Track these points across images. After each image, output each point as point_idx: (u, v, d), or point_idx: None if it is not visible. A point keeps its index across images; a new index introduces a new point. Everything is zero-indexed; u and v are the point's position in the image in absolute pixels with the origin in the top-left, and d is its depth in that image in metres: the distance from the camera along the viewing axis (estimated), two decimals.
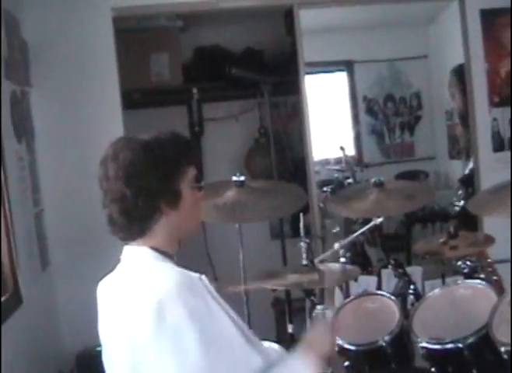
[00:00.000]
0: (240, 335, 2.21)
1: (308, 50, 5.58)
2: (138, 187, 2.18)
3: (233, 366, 2.11)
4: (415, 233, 6.55)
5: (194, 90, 5.56)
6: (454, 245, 3.73)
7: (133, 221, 2.21)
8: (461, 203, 6.51)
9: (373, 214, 3.66)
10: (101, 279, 2.42)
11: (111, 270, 2.38)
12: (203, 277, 2.27)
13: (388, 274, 4.44)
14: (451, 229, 3.70)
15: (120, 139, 2.29)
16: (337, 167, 6.65)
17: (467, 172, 6.51)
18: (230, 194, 3.66)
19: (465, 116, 5.99)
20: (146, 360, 2.10)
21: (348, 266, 3.67)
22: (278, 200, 3.70)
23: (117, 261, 2.37)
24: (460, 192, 6.57)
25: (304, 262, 3.52)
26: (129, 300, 2.17)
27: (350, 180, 6.46)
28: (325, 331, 2.50)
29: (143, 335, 2.09)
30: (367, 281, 4.47)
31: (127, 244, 2.30)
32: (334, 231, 4.98)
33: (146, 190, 2.19)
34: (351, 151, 6.97)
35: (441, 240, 3.79)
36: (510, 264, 3.85)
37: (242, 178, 3.66)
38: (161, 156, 2.22)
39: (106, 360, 2.35)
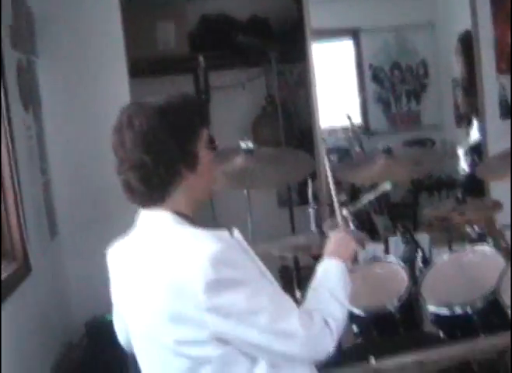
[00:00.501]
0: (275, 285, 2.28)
1: (314, 18, 5.56)
2: (158, 154, 2.17)
3: (278, 306, 2.16)
4: (422, 201, 6.55)
5: (201, 58, 5.52)
6: (462, 211, 3.74)
7: (153, 188, 2.21)
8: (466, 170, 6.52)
9: (382, 180, 3.65)
10: (109, 247, 2.42)
11: (120, 239, 2.39)
12: (236, 232, 2.31)
13: (395, 242, 4.45)
14: (459, 195, 3.70)
15: (131, 105, 2.27)
16: (343, 135, 6.64)
17: (472, 142, 6.51)
18: (239, 161, 3.65)
19: (468, 84, 5.98)
20: (195, 313, 2.11)
21: (356, 232, 3.67)
22: (286, 166, 3.69)
23: (125, 229, 2.37)
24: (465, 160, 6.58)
25: (313, 228, 3.53)
26: (168, 264, 2.15)
27: (357, 148, 6.45)
28: (345, 233, 2.60)
29: (192, 292, 2.09)
30: (375, 248, 4.48)
31: (143, 209, 2.29)
32: (341, 199, 4.98)
33: (166, 156, 2.18)
34: (357, 119, 6.96)
35: (450, 206, 3.80)
36: None
37: (250, 145, 3.66)
38: (177, 120, 2.21)
39: (123, 322, 2.38)
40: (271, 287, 2.24)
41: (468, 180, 6.01)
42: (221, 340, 2.14)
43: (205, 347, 2.14)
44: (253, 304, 2.12)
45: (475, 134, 6.43)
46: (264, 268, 2.32)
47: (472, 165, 6.44)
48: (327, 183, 3.04)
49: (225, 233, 2.25)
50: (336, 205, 2.74)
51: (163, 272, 2.16)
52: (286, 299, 2.23)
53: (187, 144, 2.23)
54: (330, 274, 2.39)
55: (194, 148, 2.24)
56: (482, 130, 5.90)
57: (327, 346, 2.22)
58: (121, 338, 2.54)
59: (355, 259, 2.57)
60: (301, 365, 2.28)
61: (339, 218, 2.72)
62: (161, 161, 2.17)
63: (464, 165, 6.52)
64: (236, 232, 2.31)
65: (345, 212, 3.77)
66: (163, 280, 2.16)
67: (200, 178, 2.27)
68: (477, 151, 6.20)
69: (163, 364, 2.25)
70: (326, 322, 2.21)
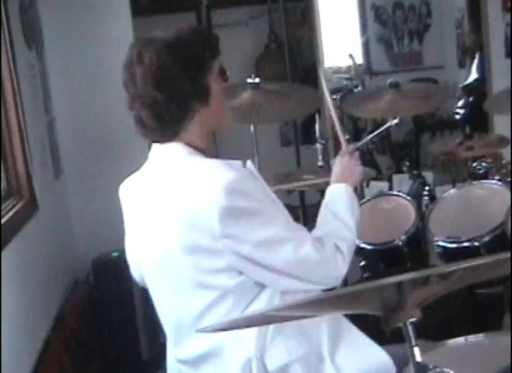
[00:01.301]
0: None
1: None
2: (170, 90, 2.15)
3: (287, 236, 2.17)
4: (424, 141, 6.56)
5: None
6: (469, 146, 3.74)
7: (166, 124, 2.20)
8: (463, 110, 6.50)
9: (388, 114, 3.64)
10: (115, 185, 2.40)
11: (125, 175, 2.38)
12: (248, 162, 2.28)
13: (400, 179, 4.46)
14: (467, 130, 3.69)
15: (140, 39, 2.24)
16: (346, 75, 6.61)
17: (470, 80, 6.48)
18: (245, 96, 3.64)
19: (474, 21, 5.94)
20: (210, 243, 2.12)
21: (363, 167, 3.67)
22: (293, 101, 3.68)
23: (130, 167, 2.36)
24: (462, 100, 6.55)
25: (320, 163, 3.52)
26: (184, 194, 2.15)
27: (359, 88, 6.43)
28: (349, 158, 2.57)
29: (206, 221, 2.10)
30: (379, 187, 4.48)
31: (157, 143, 2.28)
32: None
33: (178, 92, 2.16)
34: (360, 59, 6.92)
35: (457, 141, 3.79)
36: None
37: (257, 80, 3.64)
38: (187, 55, 2.18)
39: (137, 258, 2.37)
40: (283, 215, 2.25)
41: (470, 117, 6.00)
42: (236, 270, 2.15)
43: (221, 276, 2.15)
44: (267, 231, 2.13)
45: (473, 73, 6.42)
46: (275, 198, 2.33)
47: (467, 103, 6.42)
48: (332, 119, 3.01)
49: (238, 163, 2.25)
50: (341, 136, 2.71)
51: (176, 202, 2.17)
52: (298, 226, 2.25)
53: (198, 77, 2.21)
54: (337, 199, 2.39)
55: (205, 81, 2.22)
56: (481, 67, 5.89)
57: (340, 269, 2.23)
58: (135, 273, 2.54)
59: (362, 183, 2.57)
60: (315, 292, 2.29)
61: (344, 145, 2.70)
62: (173, 97, 2.16)
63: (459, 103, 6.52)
64: (249, 163, 2.30)
65: (350, 147, 3.78)
66: (177, 210, 2.16)
67: (212, 110, 2.25)
68: (474, 90, 6.18)
69: (182, 298, 2.25)
70: (336, 246, 2.22)
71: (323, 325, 2.25)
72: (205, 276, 2.16)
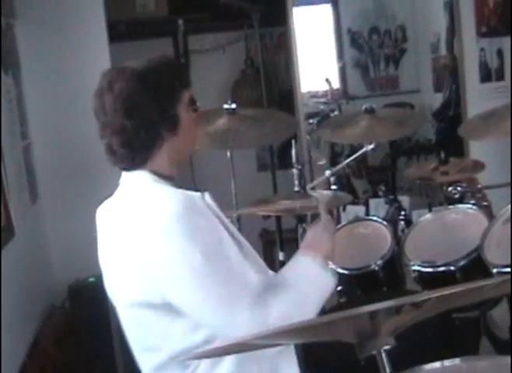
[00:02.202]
0: (238, 253, 2.21)
1: None
2: (139, 119, 2.18)
3: (232, 277, 2.12)
4: (400, 165, 6.60)
5: (180, 21, 5.50)
6: (444, 171, 3.75)
7: (135, 152, 2.22)
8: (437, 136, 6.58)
9: (364, 140, 3.67)
10: (91, 210, 2.42)
11: (101, 200, 2.39)
12: (206, 194, 2.29)
13: (376, 203, 4.48)
14: (442, 155, 3.72)
15: (111, 69, 2.28)
16: (323, 99, 6.66)
17: (438, 105, 6.56)
18: (221, 122, 3.66)
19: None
20: (156, 273, 2.12)
21: (340, 193, 3.70)
22: (269, 127, 3.70)
23: (106, 192, 2.37)
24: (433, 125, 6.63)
25: (296, 188, 3.54)
26: (134, 220, 2.18)
27: (336, 112, 6.46)
28: (323, 229, 2.44)
29: (152, 251, 2.11)
30: (355, 211, 4.50)
31: (125, 171, 2.30)
32: (321, 163, 5.01)
33: (147, 120, 2.19)
34: (336, 83, 6.97)
35: (432, 166, 3.82)
36: (499, 190, 3.86)
37: (233, 105, 3.66)
38: (157, 84, 2.21)
39: (109, 284, 2.36)
40: (227, 260, 2.16)
41: (446, 141, 6.06)
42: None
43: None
44: (206, 273, 2.09)
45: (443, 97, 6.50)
46: (236, 232, 2.31)
47: (441, 128, 6.50)
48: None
49: (196, 194, 2.25)
50: (321, 207, 2.62)
51: (130, 229, 2.19)
52: (245, 273, 2.16)
53: (168, 107, 2.23)
54: (300, 266, 2.28)
55: (174, 110, 2.25)
56: (454, 92, 5.97)
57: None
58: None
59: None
60: None
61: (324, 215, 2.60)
62: (142, 125, 2.18)
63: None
64: (207, 196, 2.30)
65: (327, 173, 3.81)
66: (130, 238, 2.18)
67: (181, 139, 2.28)
68: (443, 114, 6.26)
69: (156, 329, 2.25)
70: (279, 315, 2.08)
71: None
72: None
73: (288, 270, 2.28)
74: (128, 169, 2.28)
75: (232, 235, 2.26)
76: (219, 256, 2.13)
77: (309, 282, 2.22)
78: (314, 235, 2.43)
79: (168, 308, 2.15)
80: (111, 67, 2.32)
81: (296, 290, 2.17)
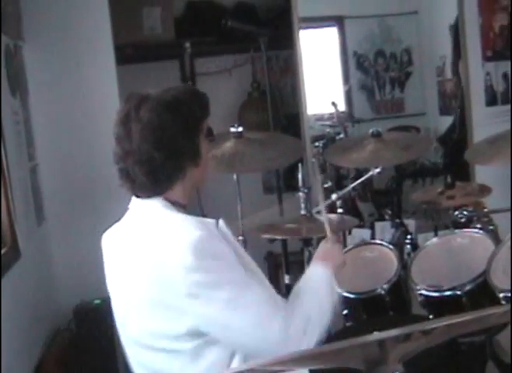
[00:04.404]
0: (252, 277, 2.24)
1: (299, 5, 5.56)
2: (167, 150, 2.17)
3: (256, 302, 2.15)
4: (406, 188, 6.58)
5: (187, 44, 5.51)
6: (451, 195, 3.76)
7: (158, 181, 2.22)
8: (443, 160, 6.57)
9: (370, 164, 3.68)
10: (96, 233, 2.43)
11: (107, 223, 2.39)
12: (220, 221, 2.30)
13: (382, 227, 4.48)
14: (448, 179, 3.73)
15: (134, 95, 2.25)
16: (329, 122, 6.65)
17: (444, 129, 6.56)
18: (228, 145, 3.67)
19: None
20: (174, 300, 2.12)
21: (346, 216, 3.70)
22: (276, 150, 3.71)
23: (112, 215, 2.37)
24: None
25: (303, 212, 3.54)
26: (153, 248, 2.17)
27: (342, 135, 6.46)
28: (333, 244, 2.54)
29: (171, 277, 2.10)
30: (361, 234, 4.50)
31: (141, 198, 2.29)
32: (326, 185, 5.01)
33: (174, 152, 2.19)
34: (342, 106, 6.97)
35: (438, 190, 3.82)
36: (505, 214, 3.87)
37: (240, 129, 3.67)
38: (185, 115, 2.21)
39: (118, 309, 2.36)
40: (252, 282, 2.21)
41: (453, 165, 6.06)
42: (196, 333, 2.14)
43: (179, 341, 2.16)
44: (232, 294, 2.11)
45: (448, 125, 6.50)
46: (249, 260, 2.34)
47: (447, 153, 6.50)
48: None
49: (211, 221, 2.26)
50: (326, 224, 2.67)
51: (146, 256, 2.18)
52: (266, 298, 2.20)
53: (194, 138, 2.24)
54: (315, 280, 2.36)
55: (198, 141, 2.25)
56: (459, 116, 5.97)
57: (299, 348, 2.14)
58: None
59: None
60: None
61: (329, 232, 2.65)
62: (169, 157, 2.18)
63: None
64: (221, 223, 2.31)
65: (334, 196, 3.81)
66: (146, 265, 2.17)
67: (200, 169, 2.29)
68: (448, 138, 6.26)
69: (141, 355, 2.29)
70: (304, 331, 2.16)
71: None
72: (162, 339, 2.18)
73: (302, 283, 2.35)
74: (145, 197, 2.27)
75: (247, 263, 2.28)
76: (243, 283, 2.15)
77: (321, 293, 2.29)
78: (324, 248, 2.53)
79: (194, 335, 2.15)
80: (132, 93, 2.28)
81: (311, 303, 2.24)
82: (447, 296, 3.26)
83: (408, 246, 3.89)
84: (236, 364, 2.19)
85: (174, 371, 2.20)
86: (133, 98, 2.23)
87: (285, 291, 4.13)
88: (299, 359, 1.40)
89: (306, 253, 3.73)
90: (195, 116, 2.24)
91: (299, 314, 2.18)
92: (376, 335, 1.30)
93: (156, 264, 2.13)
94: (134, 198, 2.31)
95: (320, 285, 2.32)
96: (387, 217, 4.21)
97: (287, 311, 2.18)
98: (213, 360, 2.17)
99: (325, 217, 2.76)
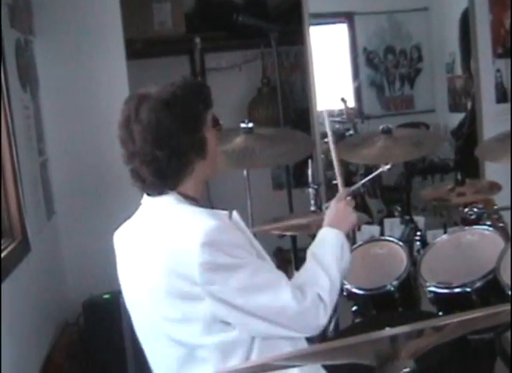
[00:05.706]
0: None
1: (309, 0, 5.56)
2: (169, 148, 2.17)
3: (271, 281, 2.18)
4: (415, 185, 6.57)
5: (197, 40, 5.52)
6: (461, 192, 3.76)
7: (166, 179, 2.23)
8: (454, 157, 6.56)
9: (380, 160, 3.66)
10: (106, 227, 2.44)
11: (117, 218, 2.40)
12: (234, 212, 2.32)
13: (391, 223, 4.47)
14: (459, 176, 3.72)
15: (133, 97, 2.25)
16: (338, 119, 6.65)
17: (454, 125, 6.55)
18: (238, 141, 3.67)
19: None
20: (190, 288, 2.13)
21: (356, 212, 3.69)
22: (286, 146, 3.71)
23: (122, 209, 2.38)
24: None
25: (312, 208, 3.54)
26: (169, 242, 2.17)
27: (351, 132, 6.46)
28: (344, 204, 2.57)
29: (187, 265, 2.11)
30: (370, 231, 4.49)
31: (153, 196, 2.30)
32: (335, 182, 4.99)
33: (177, 149, 2.19)
34: (351, 103, 6.97)
35: (449, 187, 3.81)
36: None
37: (250, 125, 3.67)
38: (184, 111, 2.20)
39: (134, 303, 2.37)
40: (265, 265, 2.26)
41: (459, 164, 6.05)
42: (214, 320, 2.16)
43: (197, 329, 2.17)
44: (247, 280, 2.14)
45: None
46: (261, 249, 2.35)
47: (458, 149, 6.49)
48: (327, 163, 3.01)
49: (224, 213, 2.27)
50: (339, 180, 2.70)
51: (160, 249, 2.19)
52: (280, 276, 2.24)
53: (196, 132, 2.23)
54: (325, 244, 2.40)
55: (202, 134, 2.25)
56: (470, 112, 5.96)
57: (321, 319, 2.23)
58: None
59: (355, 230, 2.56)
60: (295, 340, 2.29)
61: (342, 190, 2.68)
62: (173, 154, 2.18)
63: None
64: (235, 214, 2.33)
65: (348, 191, 3.79)
66: (161, 258, 2.18)
67: (209, 161, 2.29)
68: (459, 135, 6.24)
69: (161, 351, 2.29)
70: (319, 296, 2.22)
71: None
72: (179, 331, 2.20)
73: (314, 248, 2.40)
74: (157, 195, 2.27)
75: (259, 252, 2.29)
76: (259, 271, 2.18)
77: (332, 258, 2.34)
78: (336, 210, 2.55)
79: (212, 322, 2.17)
80: (131, 93, 2.29)
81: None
82: (457, 293, 3.26)
83: (418, 243, 3.88)
84: (254, 355, 2.21)
85: (193, 360, 2.21)
86: (132, 99, 2.24)
87: None
88: (312, 355, 1.40)
89: None
90: (196, 110, 2.24)
91: (310, 283, 2.23)
92: (389, 331, 1.30)
93: (172, 253, 2.14)
94: (146, 195, 2.32)
95: (332, 251, 2.36)
96: (396, 213, 4.20)
97: (301, 281, 2.24)
98: (232, 347, 2.19)
99: (338, 171, 2.77)
